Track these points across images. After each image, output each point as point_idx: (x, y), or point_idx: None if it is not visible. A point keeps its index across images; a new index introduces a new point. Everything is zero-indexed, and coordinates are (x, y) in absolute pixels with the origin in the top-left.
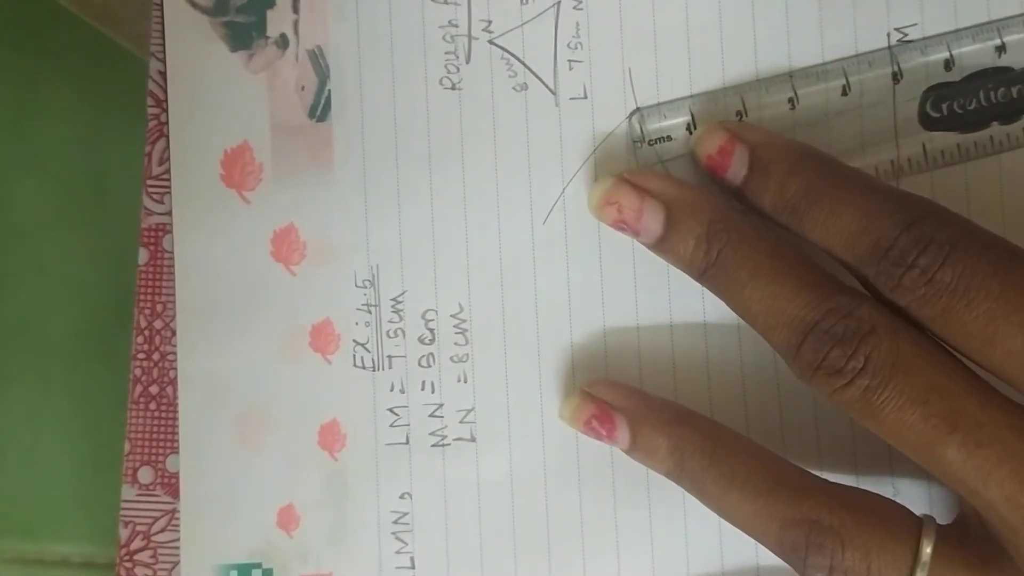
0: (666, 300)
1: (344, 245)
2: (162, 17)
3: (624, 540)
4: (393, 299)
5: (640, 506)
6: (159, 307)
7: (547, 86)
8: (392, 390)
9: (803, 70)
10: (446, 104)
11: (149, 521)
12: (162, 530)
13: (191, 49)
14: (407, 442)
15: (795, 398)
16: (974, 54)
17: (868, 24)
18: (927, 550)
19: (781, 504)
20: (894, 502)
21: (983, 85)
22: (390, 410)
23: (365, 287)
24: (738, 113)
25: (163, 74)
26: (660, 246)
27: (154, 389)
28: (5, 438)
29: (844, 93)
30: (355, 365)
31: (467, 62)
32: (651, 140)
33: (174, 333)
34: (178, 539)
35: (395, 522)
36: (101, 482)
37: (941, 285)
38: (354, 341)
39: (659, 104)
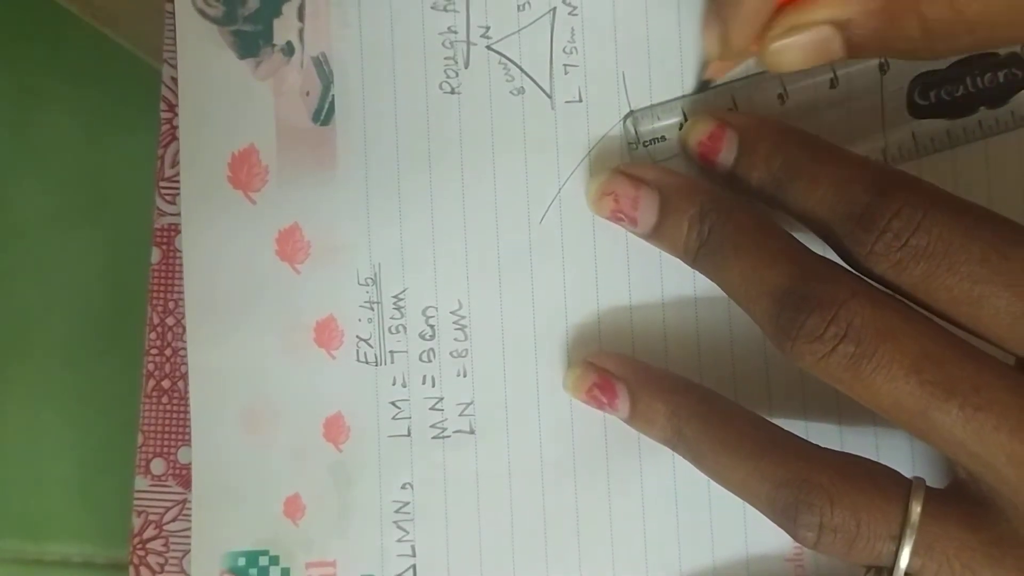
0: (659, 295)
1: (347, 244)
2: (174, 26)
3: (618, 528)
4: (395, 296)
5: (633, 495)
6: (171, 304)
7: (543, 90)
8: (394, 384)
9: None
10: (446, 108)
11: (161, 511)
12: (174, 519)
13: (201, 57)
14: (408, 434)
15: (783, 381)
16: None
17: None
18: (916, 509)
19: (773, 465)
20: (885, 465)
21: (969, 71)
22: (392, 403)
23: (367, 285)
24: (729, 111)
25: (176, 80)
26: (655, 233)
27: (166, 384)
28: (5, 438)
29: (832, 86)
30: (358, 360)
31: (466, 67)
32: (646, 142)
33: (186, 330)
34: (189, 528)
35: (397, 511)
36: (101, 482)
37: (917, 249)
38: (357, 337)
39: (652, 106)
